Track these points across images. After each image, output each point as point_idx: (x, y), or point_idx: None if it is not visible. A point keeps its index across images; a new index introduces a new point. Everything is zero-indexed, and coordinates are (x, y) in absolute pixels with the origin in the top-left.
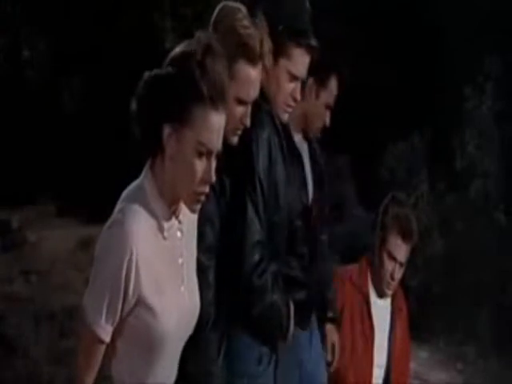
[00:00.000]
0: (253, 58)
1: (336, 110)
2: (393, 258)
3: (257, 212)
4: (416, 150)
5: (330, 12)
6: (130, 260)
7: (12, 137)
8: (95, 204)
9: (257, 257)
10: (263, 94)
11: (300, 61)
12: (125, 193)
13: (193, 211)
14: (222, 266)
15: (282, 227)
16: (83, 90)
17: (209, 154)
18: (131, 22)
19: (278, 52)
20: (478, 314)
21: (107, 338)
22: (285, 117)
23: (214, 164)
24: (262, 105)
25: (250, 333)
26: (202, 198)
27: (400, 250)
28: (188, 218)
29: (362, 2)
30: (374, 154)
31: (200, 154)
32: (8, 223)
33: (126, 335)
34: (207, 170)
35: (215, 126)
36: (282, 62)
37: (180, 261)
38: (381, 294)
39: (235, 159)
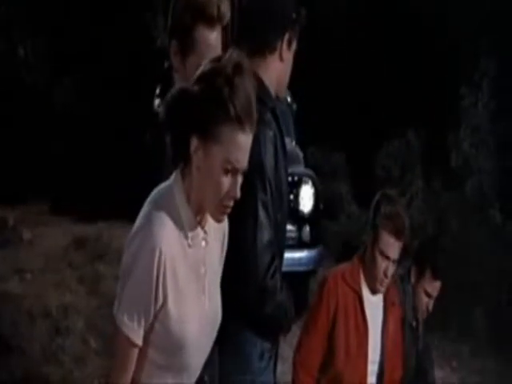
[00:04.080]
0: (211, 22)
1: (332, 108)
2: (386, 257)
3: (267, 212)
4: (411, 148)
5: (331, 10)
6: (159, 262)
7: (7, 136)
8: (90, 202)
9: (269, 257)
10: (266, 90)
11: None
12: (153, 194)
13: (218, 221)
14: (230, 266)
15: (284, 224)
16: (77, 90)
17: (235, 171)
18: (124, 22)
19: (292, 37)
20: (474, 311)
21: (140, 342)
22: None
23: (239, 181)
24: (268, 102)
25: (252, 329)
26: (228, 210)
27: (393, 248)
28: (215, 229)
29: (361, 1)
30: (370, 151)
31: (226, 171)
32: (4, 221)
33: (148, 339)
34: (233, 187)
35: (242, 145)
36: (294, 44)
37: (202, 270)
38: (374, 291)
39: None
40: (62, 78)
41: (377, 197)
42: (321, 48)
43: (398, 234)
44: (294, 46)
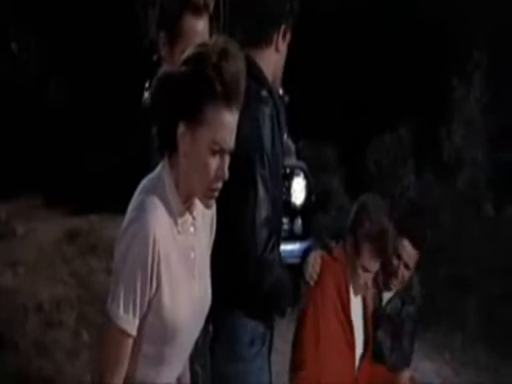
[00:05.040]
0: (197, 10)
1: (323, 101)
2: (367, 271)
3: (266, 188)
4: (403, 141)
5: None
6: (154, 249)
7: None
8: (82, 196)
9: (267, 232)
10: (260, 78)
11: None
12: (143, 184)
13: (207, 207)
14: (229, 242)
15: (280, 200)
16: (69, 84)
17: (222, 152)
18: (114, 14)
19: (287, 29)
20: (466, 304)
21: (134, 332)
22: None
23: (227, 161)
24: (264, 84)
25: (243, 313)
26: (216, 193)
27: (374, 264)
28: (203, 214)
29: None
30: (361, 145)
31: (213, 152)
32: None
33: (141, 330)
34: (220, 168)
35: (229, 125)
36: (288, 36)
37: (192, 255)
38: (356, 293)
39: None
40: (50, 73)
41: (355, 207)
42: (313, 42)
43: (381, 252)
44: (288, 37)
